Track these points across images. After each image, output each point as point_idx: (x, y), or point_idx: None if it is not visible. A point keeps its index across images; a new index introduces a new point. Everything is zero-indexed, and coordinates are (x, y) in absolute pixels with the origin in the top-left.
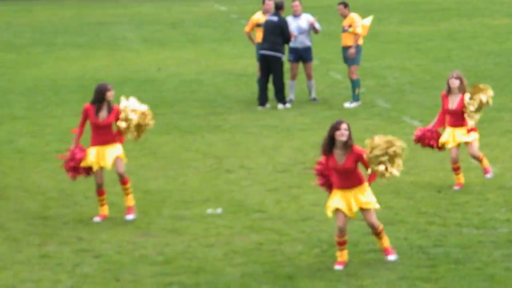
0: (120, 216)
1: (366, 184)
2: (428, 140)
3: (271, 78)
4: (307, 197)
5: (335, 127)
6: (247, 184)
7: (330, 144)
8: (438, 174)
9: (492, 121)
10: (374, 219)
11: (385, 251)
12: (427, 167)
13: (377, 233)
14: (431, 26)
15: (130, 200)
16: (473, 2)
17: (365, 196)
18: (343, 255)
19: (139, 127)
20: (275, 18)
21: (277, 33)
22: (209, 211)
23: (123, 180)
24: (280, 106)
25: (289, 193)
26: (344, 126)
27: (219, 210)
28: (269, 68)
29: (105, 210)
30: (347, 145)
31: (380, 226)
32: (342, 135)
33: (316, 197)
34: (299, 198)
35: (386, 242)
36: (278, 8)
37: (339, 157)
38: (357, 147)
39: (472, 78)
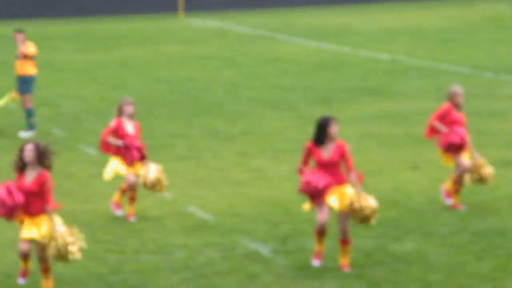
0: None
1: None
2: None
3: None
4: None
5: (47, 150)
6: None
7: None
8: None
9: (166, 147)
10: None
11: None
12: (104, 195)
13: (46, 269)
14: (104, 54)
15: None
16: (145, 30)
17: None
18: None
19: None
20: None
21: None
22: None
23: None
24: None
25: None
26: (29, 147)
27: None
28: None
29: None
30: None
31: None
32: (26, 156)
33: None
34: None
35: (51, 284)
36: None
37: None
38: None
39: (147, 105)
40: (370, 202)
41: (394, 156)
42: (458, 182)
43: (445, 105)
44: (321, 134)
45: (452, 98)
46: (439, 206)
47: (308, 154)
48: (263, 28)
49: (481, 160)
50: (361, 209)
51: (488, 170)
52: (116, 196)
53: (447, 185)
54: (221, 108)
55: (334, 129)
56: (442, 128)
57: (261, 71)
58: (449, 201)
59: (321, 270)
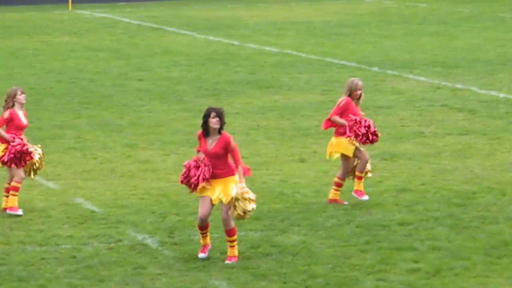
0: None
1: None
2: None
3: None
4: None
5: None
6: None
7: None
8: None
9: (54, 138)
10: None
11: None
12: None
13: None
14: None
15: None
16: (34, 20)
17: None
18: None
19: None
20: None
21: None
22: None
23: None
24: None
25: None
26: None
27: None
28: None
29: None
30: None
31: None
32: None
33: None
34: None
35: None
36: None
37: None
38: None
39: (35, 95)
40: (247, 206)
41: (281, 149)
42: (362, 172)
43: (344, 99)
44: (204, 125)
45: (352, 91)
46: (325, 199)
47: (199, 143)
48: (152, 20)
49: None
50: (237, 208)
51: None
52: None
53: (355, 186)
54: (109, 100)
55: (212, 121)
56: (342, 121)
57: (150, 63)
58: (365, 197)
59: (208, 262)
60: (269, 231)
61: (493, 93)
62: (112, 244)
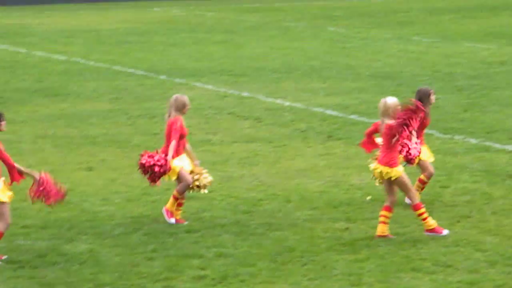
0: None
1: None
2: None
3: None
4: None
5: None
6: None
7: None
8: None
9: None
10: None
11: None
12: None
13: None
14: None
15: None
16: None
17: None
18: None
19: None
20: None
21: None
22: None
23: None
24: None
25: None
26: None
27: None
28: None
29: None
30: None
31: None
32: None
33: None
34: None
35: None
36: None
37: None
38: None
39: None
40: None
41: (69, 157)
42: (181, 196)
43: (179, 119)
44: None
45: (182, 109)
46: (112, 207)
47: None
48: None
49: (200, 168)
50: None
51: (207, 179)
52: None
53: (167, 205)
54: None
55: (3, 124)
56: (171, 152)
57: None
58: (172, 220)
59: None
60: (56, 240)
61: (279, 101)
62: None
